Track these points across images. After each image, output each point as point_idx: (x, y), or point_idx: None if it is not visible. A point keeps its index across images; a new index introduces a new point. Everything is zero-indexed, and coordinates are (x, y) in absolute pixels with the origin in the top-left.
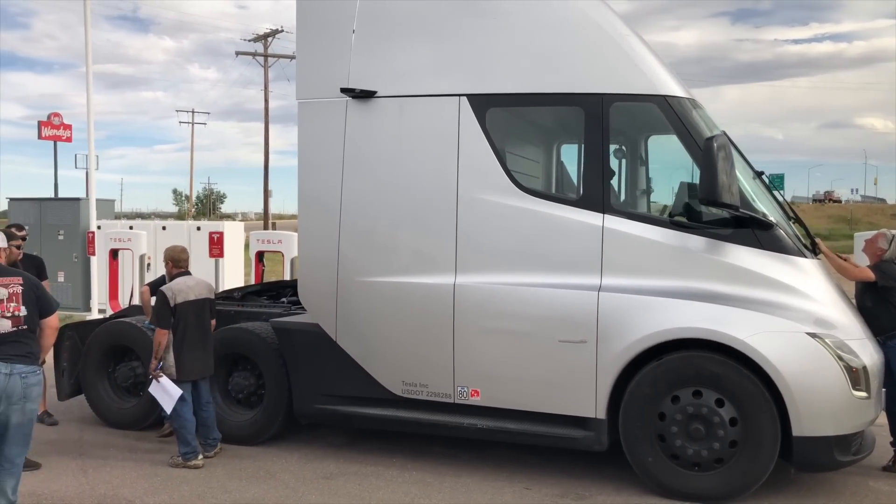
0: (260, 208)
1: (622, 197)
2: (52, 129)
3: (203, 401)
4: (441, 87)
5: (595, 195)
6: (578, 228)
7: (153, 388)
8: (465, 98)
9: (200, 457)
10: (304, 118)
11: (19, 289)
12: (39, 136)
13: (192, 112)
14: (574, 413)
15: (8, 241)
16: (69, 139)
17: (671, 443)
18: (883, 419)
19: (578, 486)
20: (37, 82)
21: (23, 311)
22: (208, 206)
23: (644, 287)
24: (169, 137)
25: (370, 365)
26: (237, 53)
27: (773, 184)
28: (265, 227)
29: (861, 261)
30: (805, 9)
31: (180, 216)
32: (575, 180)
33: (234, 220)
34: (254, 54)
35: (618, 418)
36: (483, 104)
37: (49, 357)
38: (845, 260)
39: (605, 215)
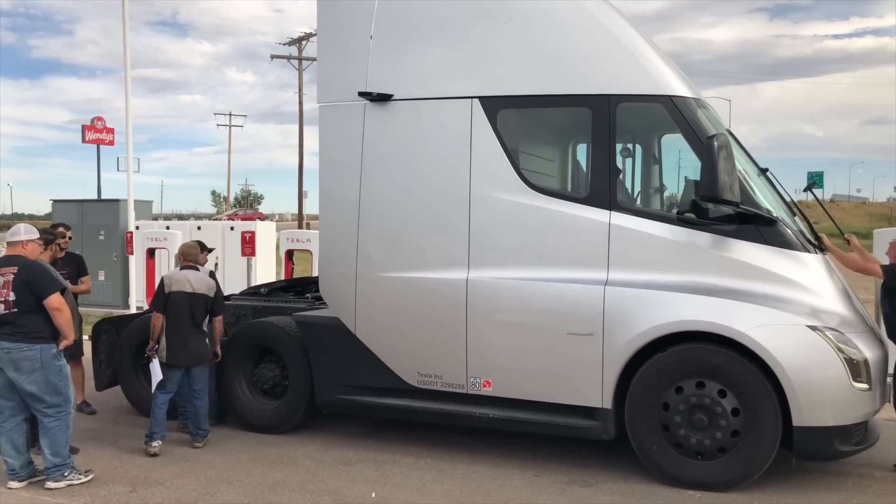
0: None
1: (628, 194)
2: (96, 132)
3: (195, 388)
4: (454, 90)
5: (602, 193)
6: (586, 225)
7: (151, 366)
8: (477, 100)
9: (156, 444)
10: (325, 121)
11: (11, 276)
12: (83, 140)
13: (230, 115)
14: (581, 403)
15: (53, 239)
16: (111, 142)
17: (675, 432)
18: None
19: (586, 473)
20: (81, 87)
21: (11, 297)
22: (246, 207)
23: (649, 281)
24: (208, 140)
25: (387, 357)
26: (272, 57)
27: (815, 181)
28: (300, 227)
29: (881, 259)
30: (845, 3)
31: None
32: (583, 178)
33: (271, 220)
34: (288, 57)
35: (624, 408)
36: (494, 106)
37: (88, 349)
38: (853, 246)
39: (612, 212)
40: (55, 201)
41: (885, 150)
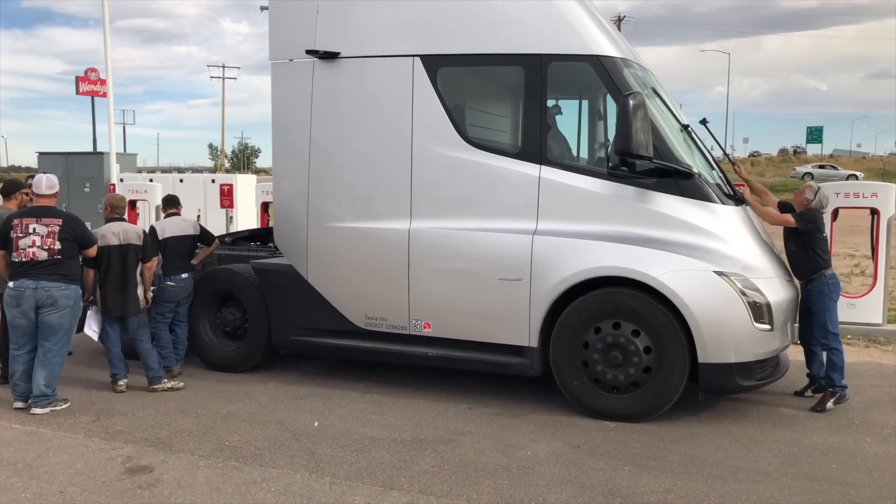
0: None
1: (557, 150)
2: (89, 84)
3: (132, 337)
4: (397, 49)
5: (533, 148)
6: (517, 178)
7: (88, 314)
8: (418, 58)
9: (122, 382)
10: (277, 78)
11: (56, 228)
12: (77, 92)
13: (223, 67)
14: (511, 342)
15: (18, 188)
16: (105, 94)
17: (593, 369)
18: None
19: (515, 406)
20: (73, 38)
21: (57, 246)
22: (242, 160)
23: (574, 231)
24: (204, 92)
25: (337, 301)
26: (261, 9)
27: (812, 136)
28: None
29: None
30: None
31: (215, 171)
32: (516, 134)
33: (269, 174)
34: None
35: (549, 347)
36: (434, 64)
37: None
38: (758, 190)
39: (542, 166)
40: (41, 154)
41: (889, 104)
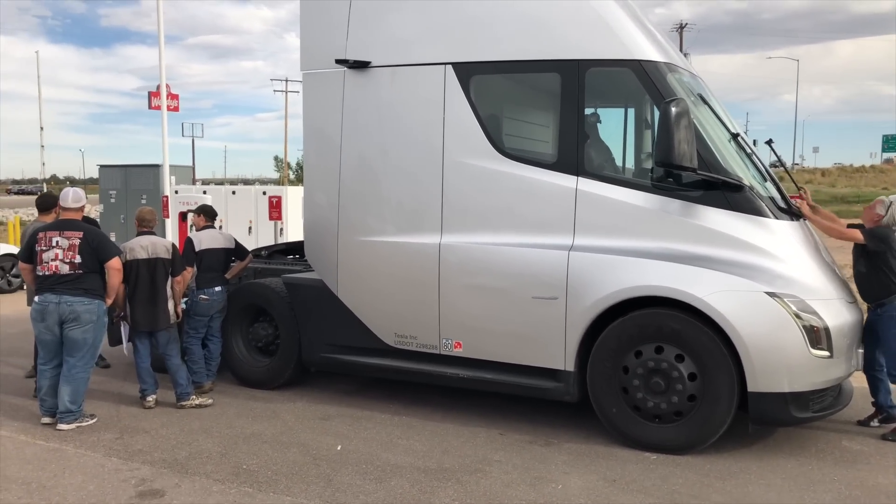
0: None
1: (596, 160)
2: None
3: (161, 352)
4: (428, 56)
5: (570, 158)
6: (553, 190)
7: (122, 329)
8: (450, 66)
9: (151, 398)
10: (308, 88)
11: (77, 241)
12: (150, 107)
13: (286, 80)
14: (545, 365)
15: (55, 203)
16: (176, 108)
17: (633, 395)
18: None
19: (549, 433)
20: (148, 55)
21: (77, 259)
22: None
23: (613, 247)
24: (270, 106)
25: (367, 318)
26: None
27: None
28: None
29: None
30: None
31: (280, 183)
32: (552, 144)
33: None
34: None
35: (586, 371)
36: (467, 72)
37: None
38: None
39: (579, 178)
40: (101, 167)
41: None
